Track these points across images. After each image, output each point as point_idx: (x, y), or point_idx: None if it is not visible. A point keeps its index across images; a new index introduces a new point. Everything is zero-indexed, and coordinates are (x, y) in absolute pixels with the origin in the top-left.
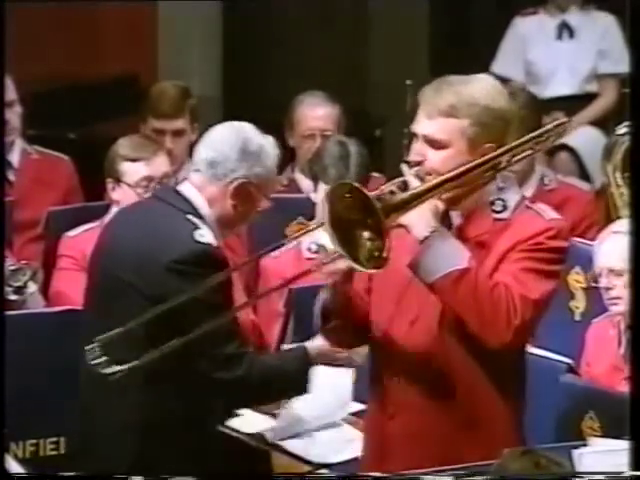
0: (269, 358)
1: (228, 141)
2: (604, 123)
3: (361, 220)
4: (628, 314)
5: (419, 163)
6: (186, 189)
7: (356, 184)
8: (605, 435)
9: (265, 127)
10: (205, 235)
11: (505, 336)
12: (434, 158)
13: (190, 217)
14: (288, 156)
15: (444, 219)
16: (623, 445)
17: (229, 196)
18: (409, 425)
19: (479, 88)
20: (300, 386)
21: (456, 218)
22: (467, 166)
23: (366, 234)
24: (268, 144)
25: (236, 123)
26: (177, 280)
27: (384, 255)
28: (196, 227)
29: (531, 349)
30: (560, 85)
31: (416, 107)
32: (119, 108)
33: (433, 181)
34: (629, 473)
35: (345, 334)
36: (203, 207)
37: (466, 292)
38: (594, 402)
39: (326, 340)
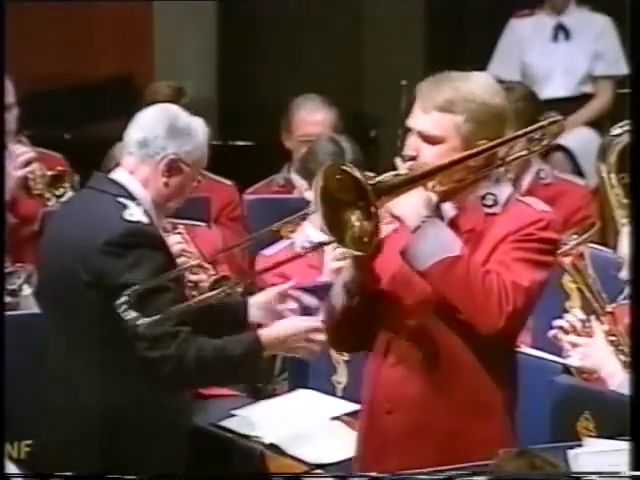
0: (215, 341)
1: (156, 120)
2: (599, 124)
3: (352, 202)
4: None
5: (413, 158)
6: (118, 174)
7: (348, 165)
8: (600, 435)
9: (261, 128)
10: (134, 214)
11: (497, 322)
12: (428, 153)
13: (121, 199)
14: (284, 157)
15: (436, 212)
16: (619, 445)
17: (160, 173)
18: (407, 420)
19: (477, 85)
20: (246, 371)
21: (449, 211)
22: (459, 156)
23: (355, 216)
24: (196, 122)
25: (164, 104)
26: (111, 261)
27: (371, 238)
28: (125, 207)
29: (526, 350)
30: (556, 86)
31: (412, 102)
32: (114, 108)
33: (425, 168)
34: (627, 473)
35: (364, 314)
36: (136, 188)
37: (458, 279)
38: (589, 402)
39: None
